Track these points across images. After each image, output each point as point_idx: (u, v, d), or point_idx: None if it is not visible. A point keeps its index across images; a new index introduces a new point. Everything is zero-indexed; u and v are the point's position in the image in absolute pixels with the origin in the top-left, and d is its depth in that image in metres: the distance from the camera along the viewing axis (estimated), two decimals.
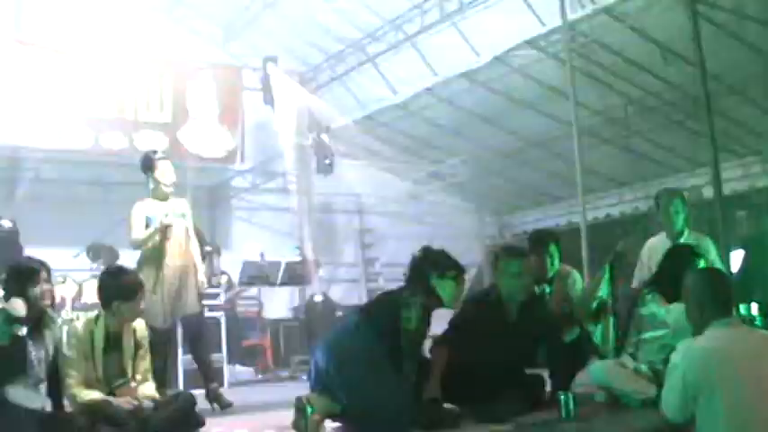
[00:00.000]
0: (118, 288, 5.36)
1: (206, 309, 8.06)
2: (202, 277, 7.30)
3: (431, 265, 5.49)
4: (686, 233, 6.83)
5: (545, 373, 6.41)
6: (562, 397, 5.06)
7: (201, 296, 7.38)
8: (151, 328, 6.99)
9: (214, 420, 5.91)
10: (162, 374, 6.99)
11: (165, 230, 6.89)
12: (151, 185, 7.17)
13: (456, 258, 5.64)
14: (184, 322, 7.25)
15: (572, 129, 10.12)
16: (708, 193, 10.87)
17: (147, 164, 7.23)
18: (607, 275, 6.25)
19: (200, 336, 7.32)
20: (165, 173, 7.15)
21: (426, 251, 5.64)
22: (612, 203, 14.35)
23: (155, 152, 7.57)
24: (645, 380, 5.40)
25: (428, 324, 5.53)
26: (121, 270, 5.71)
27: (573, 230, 10.88)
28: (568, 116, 10.22)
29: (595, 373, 5.76)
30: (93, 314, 5.49)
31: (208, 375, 7.19)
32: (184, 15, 14.09)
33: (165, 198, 7.14)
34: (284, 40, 13.99)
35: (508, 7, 11.18)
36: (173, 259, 6.97)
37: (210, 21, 14.30)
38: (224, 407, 6.81)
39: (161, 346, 6.93)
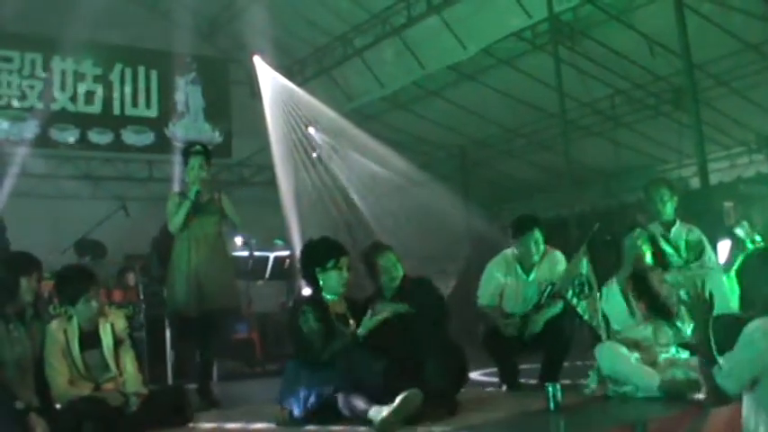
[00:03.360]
0: (65, 290, 5.40)
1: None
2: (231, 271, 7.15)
3: (312, 262, 5.53)
4: (677, 223, 6.86)
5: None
6: (550, 388, 5.06)
7: (232, 291, 7.15)
8: (180, 317, 6.94)
9: (203, 415, 5.89)
10: (185, 365, 6.94)
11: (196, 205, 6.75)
12: (185, 179, 7.06)
13: (334, 243, 5.65)
14: (204, 315, 6.85)
15: (559, 120, 10.13)
16: (695, 183, 10.94)
17: (184, 156, 7.07)
18: (584, 253, 6.34)
19: (215, 333, 7.05)
20: (192, 168, 6.92)
21: (305, 248, 5.69)
22: (600, 195, 14.37)
23: (191, 145, 7.30)
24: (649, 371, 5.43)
25: (353, 316, 5.53)
26: (65, 272, 5.69)
27: (561, 222, 10.89)
28: (555, 108, 10.24)
29: (602, 360, 5.73)
30: (66, 313, 5.47)
31: (208, 372, 7.10)
32: (170, 10, 14.04)
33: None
34: (270, 34, 13.95)
35: None
36: (200, 251, 6.80)
37: (197, 15, 14.25)
38: (213, 404, 6.76)
39: (190, 335, 6.89)
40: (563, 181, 10.35)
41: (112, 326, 5.44)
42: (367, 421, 4.69)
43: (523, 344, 6.61)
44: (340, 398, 4.91)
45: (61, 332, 5.27)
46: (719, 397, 3.63)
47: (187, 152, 7.09)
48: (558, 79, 9.84)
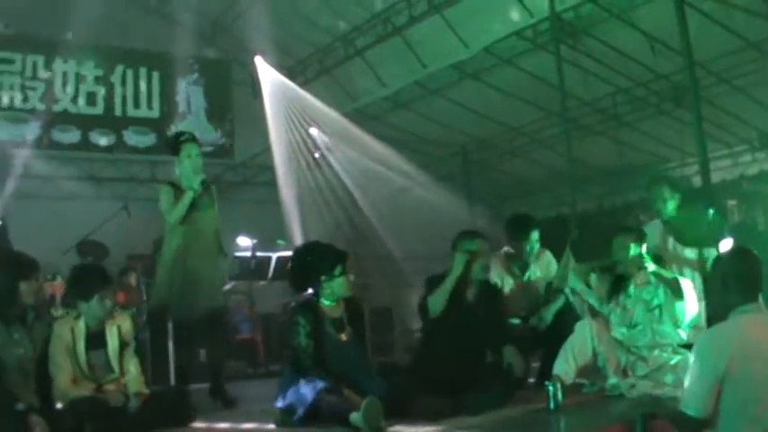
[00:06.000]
0: (81, 286, 5.38)
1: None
2: (225, 269, 7.03)
3: (315, 269, 5.43)
4: None
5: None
6: (550, 387, 5.06)
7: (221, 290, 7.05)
8: (174, 321, 6.83)
9: (205, 416, 5.88)
10: (184, 369, 6.86)
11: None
12: (177, 170, 6.72)
13: (335, 248, 5.55)
14: (203, 316, 6.67)
15: (561, 119, 10.12)
16: (697, 182, 10.93)
17: (173, 146, 6.77)
18: (570, 253, 6.58)
19: (218, 332, 6.97)
20: (189, 156, 6.63)
21: (305, 253, 5.61)
22: (603, 194, 14.36)
23: (181, 134, 7.02)
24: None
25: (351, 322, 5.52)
26: (83, 269, 5.69)
27: (563, 221, 10.90)
28: (557, 107, 10.22)
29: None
30: (74, 312, 5.46)
31: (219, 373, 6.87)
32: (173, 11, 14.05)
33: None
34: (272, 35, 13.96)
35: None
36: (194, 250, 6.56)
37: (199, 16, 14.26)
38: (227, 403, 6.70)
39: (184, 339, 6.74)
40: (565, 179, 10.33)
41: (119, 328, 5.44)
42: (352, 425, 4.72)
43: (535, 340, 6.65)
44: (327, 400, 4.91)
45: (68, 330, 5.26)
46: (685, 425, 3.49)
47: (178, 140, 6.79)
48: (559, 78, 9.80)
